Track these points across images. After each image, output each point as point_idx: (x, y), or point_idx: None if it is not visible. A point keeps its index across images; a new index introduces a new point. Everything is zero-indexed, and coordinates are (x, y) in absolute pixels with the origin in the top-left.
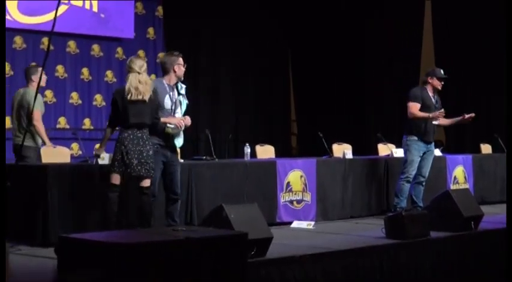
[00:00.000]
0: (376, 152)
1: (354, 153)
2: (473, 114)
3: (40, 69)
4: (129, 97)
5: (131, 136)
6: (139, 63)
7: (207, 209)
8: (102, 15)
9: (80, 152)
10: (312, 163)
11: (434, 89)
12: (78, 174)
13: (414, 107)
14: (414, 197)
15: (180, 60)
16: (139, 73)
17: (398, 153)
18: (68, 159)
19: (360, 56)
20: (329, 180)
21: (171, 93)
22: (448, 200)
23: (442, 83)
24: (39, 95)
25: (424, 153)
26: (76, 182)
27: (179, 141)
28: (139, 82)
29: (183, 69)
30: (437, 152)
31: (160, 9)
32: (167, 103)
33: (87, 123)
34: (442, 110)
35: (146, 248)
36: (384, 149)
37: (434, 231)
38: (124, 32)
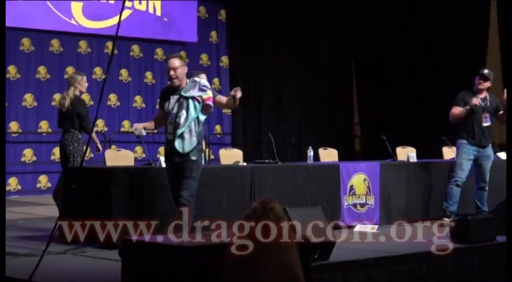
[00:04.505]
0: (441, 155)
1: (418, 157)
2: None
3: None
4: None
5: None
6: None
7: None
8: (166, 19)
9: (144, 155)
10: (376, 166)
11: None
12: (142, 177)
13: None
14: (478, 202)
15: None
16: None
17: None
18: (131, 162)
19: (423, 58)
20: (393, 184)
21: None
22: None
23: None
24: None
25: (477, 159)
26: (140, 185)
27: None
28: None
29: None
30: (503, 156)
31: (223, 12)
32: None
33: None
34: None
35: (206, 250)
36: (449, 153)
37: (500, 235)
38: (187, 35)
